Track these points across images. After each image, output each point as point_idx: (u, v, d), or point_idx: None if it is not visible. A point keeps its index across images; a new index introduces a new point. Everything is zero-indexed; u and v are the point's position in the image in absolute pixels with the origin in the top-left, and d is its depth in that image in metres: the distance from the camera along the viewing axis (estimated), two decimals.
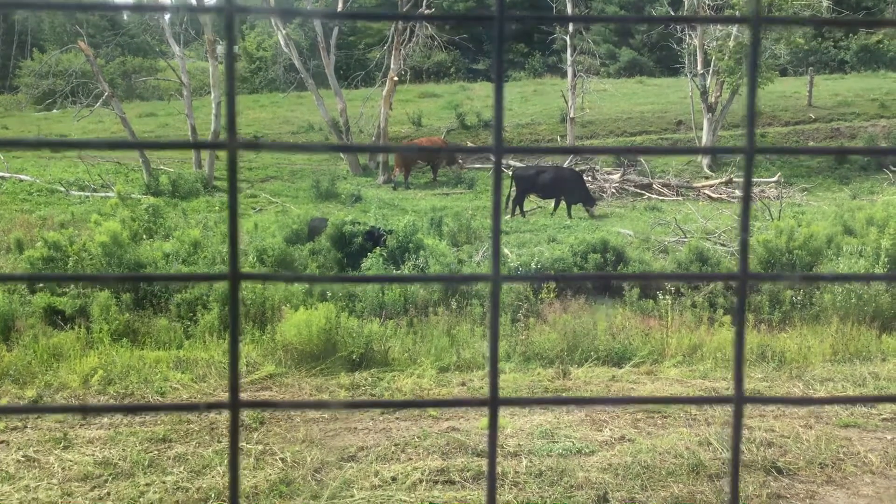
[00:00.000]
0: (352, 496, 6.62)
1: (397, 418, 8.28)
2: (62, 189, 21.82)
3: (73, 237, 12.68)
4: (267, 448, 7.51)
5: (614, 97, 33.40)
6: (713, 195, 22.90)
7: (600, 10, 45.93)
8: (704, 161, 27.18)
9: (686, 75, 29.96)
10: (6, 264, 13.93)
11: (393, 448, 7.53)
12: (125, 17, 51.32)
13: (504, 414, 7.90)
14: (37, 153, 26.97)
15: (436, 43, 28.21)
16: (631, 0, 46.63)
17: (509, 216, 19.92)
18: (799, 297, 11.87)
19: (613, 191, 23.50)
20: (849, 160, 27.01)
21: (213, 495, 6.59)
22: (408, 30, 26.92)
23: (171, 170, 23.79)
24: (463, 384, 9.43)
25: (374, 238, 13.61)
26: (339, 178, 24.70)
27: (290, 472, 7.02)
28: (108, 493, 6.64)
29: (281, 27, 28.50)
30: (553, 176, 20.50)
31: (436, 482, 6.86)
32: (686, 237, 15.94)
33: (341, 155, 27.61)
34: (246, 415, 7.92)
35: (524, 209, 20.51)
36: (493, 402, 0.99)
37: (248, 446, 7.52)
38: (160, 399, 8.78)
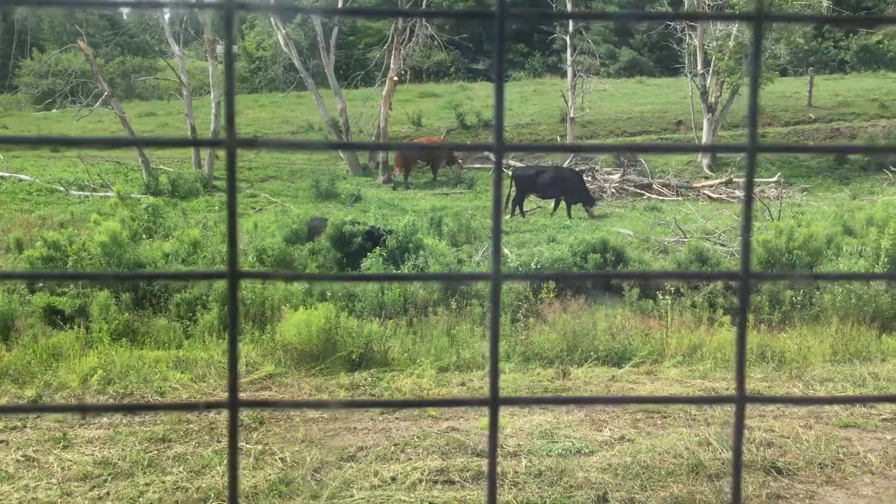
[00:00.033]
0: (351, 496, 6.61)
1: (397, 418, 8.27)
2: (62, 189, 21.82)
3: (73, 237, 12.68)
4: (266, 448, 7.50)
5: (614, 97, 33.40)
6: (713, 195, 22.89)
7: (600, 10, 45.92)
8: (704, 161, 27.18)
9: (686, 75, 29.96)
10: (6, 264, 13.92)
11: (392, 448, 7.52)
12: (125, 17, 51.33)
13: (504, 414, 7.90)
14: (36, 153, 26.96)
15: (436, 43, 28.20)
16: (631, 0, 46.64)
17: (509, 216, 19.92)
18: (799, 298, 11.87)
19: (613, 191, 23.50)
20: (849, 160, 27.01)
21: (212, 495, 6.58)
22: (408, 29, 26.91)
23: (171, 169, 23.79)
24: (462, 384, 9.43)
25: (373, 238, 13.61)
26: (338, 178, 24.70)
27: (290, 471, 7.02)
28: (108, 493, 6.64)
29: (280, 27, 28.49)
30: (553, 176, 20.50)
31: (435, 482, 6.86)
32: (686, 237, 15.94)
33: (341, 155, 27.61)
34: (245, 414, 7.92)
35: (524, 209, 20.51)
36: (494, 402, 0.98)
37: (248, 446, 7.51)
38: (159, 399, 8.78)
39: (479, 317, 11.31)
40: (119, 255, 11.97)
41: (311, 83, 27.39)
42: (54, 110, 34.16)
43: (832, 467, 7.22)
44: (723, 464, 7.16)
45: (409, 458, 7.32)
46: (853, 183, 24.58)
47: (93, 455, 7.27)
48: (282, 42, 28.64)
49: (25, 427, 7.93)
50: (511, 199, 20.09)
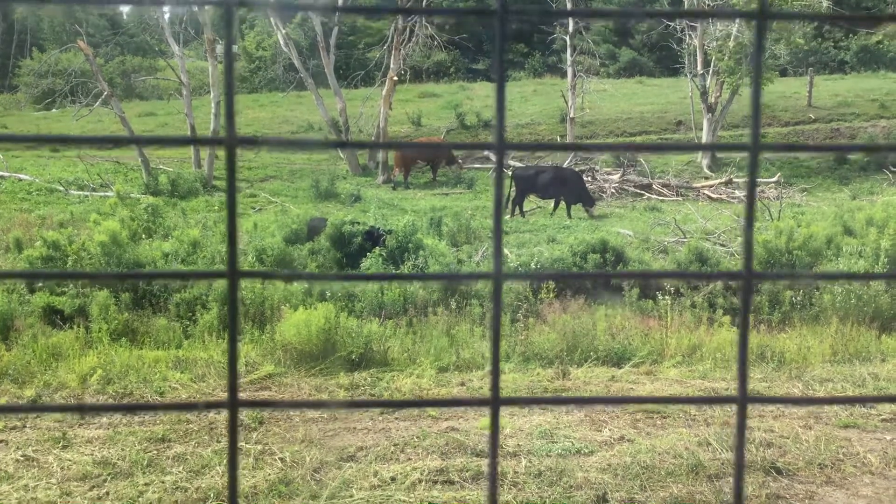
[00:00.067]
0: (351, 496, 6.61)
1: (396, 418, 8.27)
2: (61, 188, 21.81)
3: (73, 237, 12.68)
4: (266, 448, 7.50)
5: (614, 97, 33.41)
6: (713, 195, 22.89)
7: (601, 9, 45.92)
8: (704, 161, 27.19)
9: (686, 75, 29.97)
10: (5, 264, 13.92)
11: (392, 448, 7.52)
12: (125, 17, 51.33)
13: (503, 414, 7.90)
14: (36, 152, 26.96)
15: (435, 43, 28.19)
16: (631, 0, 46.63)
17: (509, 216, 19.92)
18: (798, 298, 11.87)
19: (613, 191, 23.50)
20: (849, 161, 27.02)
21: (211, 495, 6.58)
22: (407, 29, 26.91)
23: (171, 169, 23.79)
24: (462, 384, 9.43)
25: (373, 238, 13.60)
26: (338, 178, 24.70)
27: (289, 472, 7.02)
28: (107, 493, 6.63)
29: (280, 26, 28.48)
30: (553, 176, 20.51)
31: (435, 482, 6.85)
32: (686, 237, 15.94)
33: (341, 154, 27.60)
34: (245, 414, 7.91)
35: (524, 209, 20.51)
36: (495, 402, 0.98)
37: (247, 446, 7.51)
38: (159, 399, 8.77)
39: (478, 317, 11.30)
40: (119, 254, 11.97)
41: (310, 83, 27.38)
42: (54, 110, 34.17)
43: (832, 468, 7.22)
44: (722, 464, 7.16)
45: (409, 459, 7.32)
46: (853, 183, 24.58)
47: (92, 455, 7.27)
48: (282, 42, 28.63)
49: (25, 427, 7.92)
50: (511, 199, 20.10)
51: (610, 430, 8.00)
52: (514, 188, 20.17)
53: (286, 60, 31.76)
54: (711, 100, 28.01)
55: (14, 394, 8.76)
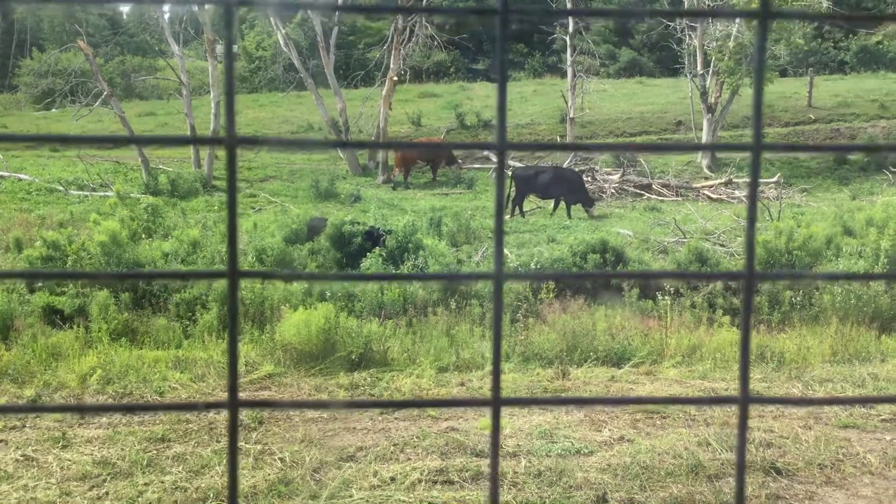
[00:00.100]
0: (350, 496, 6.61)
1: (396, 418, 8.27)
2: (61, 188, 21.81)
3: (72, 236, 12.67)
4: (266, 448, 7.50)
5: (614, 97, 33.41)
6: (713, 196, 22.89)
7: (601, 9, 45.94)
8: (704, 162, 27.19)
9: (686, 76, 29.97)
10: (5, 263, 13.91)
11: (392, 448, 7.52)
12: (124, 17, 51.34)
13: (503, 414, 7.88)
14: (36, 152, 26.95)
15: (435, 43, 28.19)
16: (631, 0, 46.65)
17: (509, 216, 19.92)
18: (798, 298, 11.87)
19: (613, 191, 23.50)
20: (848, 161, 27.02)
21: (211, 495, 6.58)
22: (407, 29, 26.90)
23: (170, 169, 23.78)
24: (462, 384, 9.42)
25: (373, 238, 13.60)
26: (338, 178, 24.70)
27: (289, 471, 7.01)
28: (107, 493, 6.63)
29: (280, 26, 28.47)
30: (552, 176, 20.51)
31: (435, 482, 6.85)
32: (685, 238, 15.94)
33: (340, 154, 27.60)
34: (244, 414, 7.91)
35: (524, 209, 20.52)
36: (496, 403, 0.97)
37: (247, 446, 7.51)
38: (159, 398, 8.77)
39: (478, 317, 11.30)
40: (118, 254, 11.97)
41: (310, 83, 27.38)
42: (54, 110, 34.16)
43: (831, 468, 7.22)
44: (722, 464, 7.16)
45: (409, 459, 7.32)
46: (853, 183, 24.58)
47: (92, 455, 7.27)
48: (281, 42, 28.62)
49: (25, 427, 7.92)
50: (511, 199, 20.11)
51: (610, 430, 8.00)
52: (513, 188, 20.18)
53: (286, 60, 31.75)
54: (711, 100, 28.01)
55: (14, 393, 8.76)
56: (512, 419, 8.11)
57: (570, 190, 20.39)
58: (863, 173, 26.04)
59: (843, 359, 10.34)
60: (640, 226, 18.49)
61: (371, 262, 12.87)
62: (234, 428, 0.99)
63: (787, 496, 6.73)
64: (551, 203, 20.85)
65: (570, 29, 29.39)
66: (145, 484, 6.75)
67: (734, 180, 23.63)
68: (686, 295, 11.85)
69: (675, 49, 32.77)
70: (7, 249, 14.63)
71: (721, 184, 23.64)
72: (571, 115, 28.50)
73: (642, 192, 23.38)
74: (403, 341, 10.47)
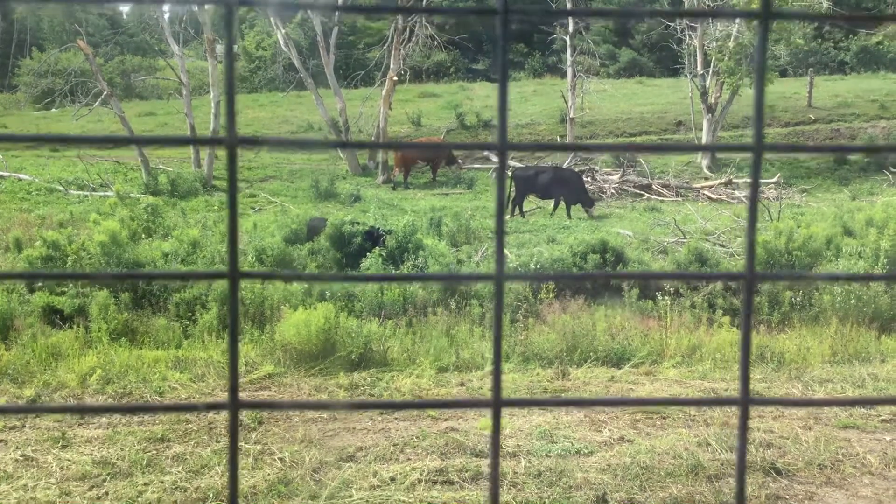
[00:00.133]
0: (350, 496, 6.60)
1: (396, 418, 8.27)
2: (61, 188, 21.80)
3: (72, 236, 12.67)
4: (265, 448, 7.49)
5: (614, 97, 33.40)
6: (712, 196, 22.89)
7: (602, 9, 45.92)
8: (704, 162, 27.19)
9: (686, 76, 29.96)
10: (5, 263, 13.91)
11: (392, 448, 7.52)
12: (124, 17, 51.33)
13: (503, 414, 7.88)
14: (36, 152, 26.94)
15: (435, 43, 28.18)
16: (631, 0, 46.65)
17: (509, 216, 19.93)
18: (798, 298, 11.86)
19: (613, 191, 23.50)
20: (848, 161, 27.02)
21: (211, 495, 6.57)
22: (407, 29, 26.90)
23: (170, 169, 23.78)
24: (462, 384, 9.42)
25: (373, 238, 13.60)
26: (338, 178, 24.70)
27: (289, 472, 7.01)
28: (107, 493, 6.63)
29: (280, 26, 28.47)
30: (552, 176, 20.52)
31: (434, 482, 6.85)
32: (685, 238, 15.94)
33: (340, 154, 27.59)
34: (244, 414, 7.91)
35: (524, 209, 20.52)
36: (497, 404, 0.97)
37: (247, 446, 7.51)
38: (158, 398, 8.77)
39: (478, 317, 11.30)
40: (118, 254, 11.97)
41: (310, 83, 27.37)
42: (54, 110, 34.15)
43: (831, 468, 7.21)
44: (722, 465, 7.16)
45: (409, 459, 7.31)
46: (853, 184, 24.58)
47: (91, 455, 7.26)
48: (281, 42, 28.62)
49: (24, 426, 7.92)
50: (511, 199, 20.12)
51: (609, 430, 8.00)
52: (513, 188, 20.19)
53: (286, 60, 31.75)
54: (711, 100, 28.00)
55: (14, 393, 8.76)
56: (512, 419, 8.11)
57: (569, 190, 20.40)
58: (863, 174, 26.04)
59: (842, 359, 10.33)
60: (639, 226, 18.48)
61: (371, 262, 12.87)
62: (234, 429, 0.99)
63: (787, 496, 6.73)
64: (551, 203, 20.85)
65: (570, 29, 29.39)
66: (145, 484, 6.75)
67: (734, 180, 23.62)
68: (686, 295, 11.85)
69: (675, 49, 32.77)
70: (7, 249, 14.62)
71: (721, 184, 23.64)
72: (571, 116, 28.49)
73: (642, 193, 23.38)
74: (403, 341, 10.47)
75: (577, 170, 23.32)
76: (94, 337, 10.18)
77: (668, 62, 39.70)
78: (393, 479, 6.87)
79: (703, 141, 28.02)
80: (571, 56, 29.16)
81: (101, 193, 21.06)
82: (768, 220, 16.63)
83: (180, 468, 7.04)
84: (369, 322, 10.64)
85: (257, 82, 45.83)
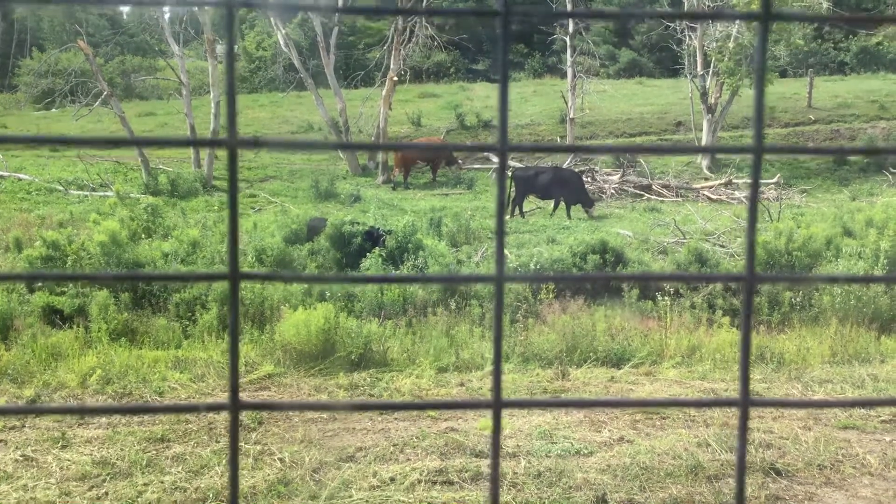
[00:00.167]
0: (350, 497, 6.60)
1: (396, 419, 8.27)
2: (61, 188, 21.80)
3: (72, 236, 12.67)
4: (265, 448, 7.49)
5: (614, 98, 33.39)
6: (712, 196, 22.89)
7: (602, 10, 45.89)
8: (704, 162, 27.18)
9: (686, 76, 29.96)
10: (5, 263, 13.91)
11: (391, 448, 7.52)
12: (125, 17, 51.33)
13: (503, 415, 7.88)
14: (36, 152, 26.95)
15: (435, 43, 28.19)
16: (631, 0, 46.66)
17: (509, 217, 19.92)
18: (798, 299, 11.86)
19: (613, 192, 23.50)
20: (848, 162, 27.02)
21: (211, 495, 6.57)
22: (407, 30, 26.90)
23: (170, 169, 23.77)
24: (461, 384, 9.42)
25: (373, 238, 13.60)
26: (338, 178, 24.69)
27: (289, 472, 7.01)
28: (107, 493, 6.63)
29: (280, 27, 28.47)
30: (552, 177, 20.52)
31: (434, 482, 6.85)
32: (685, 238, 15.93)
33: (340, 155, 27.59)
34: (244, 415, 7.91)
35: (524, 210, 20.52)
36: (497, 404, 0.97)
37: (247, 446, 7.51)
38: (158, 398, 8.77)
39: (478, 317, 11.30)
40: (118, 254, 11.96)
41: (310, 83, 27.38)
42: (54, 110, 34.15)
43: (831, 469, 7.22)
44: (722, 465, 7.16)
45: (408, 459, 7.31)
46: (852, 184, 24.58)
47: (91, 455, 7.26)
48: (282, 42, 28.62)
49: (24, 427, 7.92)
50: (511, 199, 20.12)
51: (609, 430, 8.00)
52: (513, 189, 20.19)
53: (286, 60, 31.75)
54: (711, 101, 28.00)
55: (13, 394, 8.76)
56: (511, 420, 8.11)
57: (569, 190, 20.40)
58: (862, 174, 26.04)
59: (842, 360, 10.33)
60: (639, 226, 18.48)
61: (371, 262, 12.87)
62: (235, 429, 0.99)
63: (787, 497, 6.73)
64: (551, 203, 20.85)
65: (570, 29, 29.39)
66: (145, 484, 6.75)
67: (734, 181, 23.62)
68: (686, 295, 11.85)
69: (675, 50, 32.77)
70: (7, 249, 14.62)
71: (721, 184, 23.64)
72: (571, 116, 28.49)
73: (642, 193, 23.38)
74: (403, 341, 10.47)
75: (577, 170, 23.32)
76: (93, 337, 10.18)
77: (667, 63, 39.70)
78: (393, 480, 6.87)
79: (703, 141, 28.02)
80: (571, 56, 29.16)
81: (101, 193, 21.06)
82: (768, 221, 16.62)
83: (180, 468, 7.04)
84: (369, 322, 10.64)
85: (257, 82, 45.83)
